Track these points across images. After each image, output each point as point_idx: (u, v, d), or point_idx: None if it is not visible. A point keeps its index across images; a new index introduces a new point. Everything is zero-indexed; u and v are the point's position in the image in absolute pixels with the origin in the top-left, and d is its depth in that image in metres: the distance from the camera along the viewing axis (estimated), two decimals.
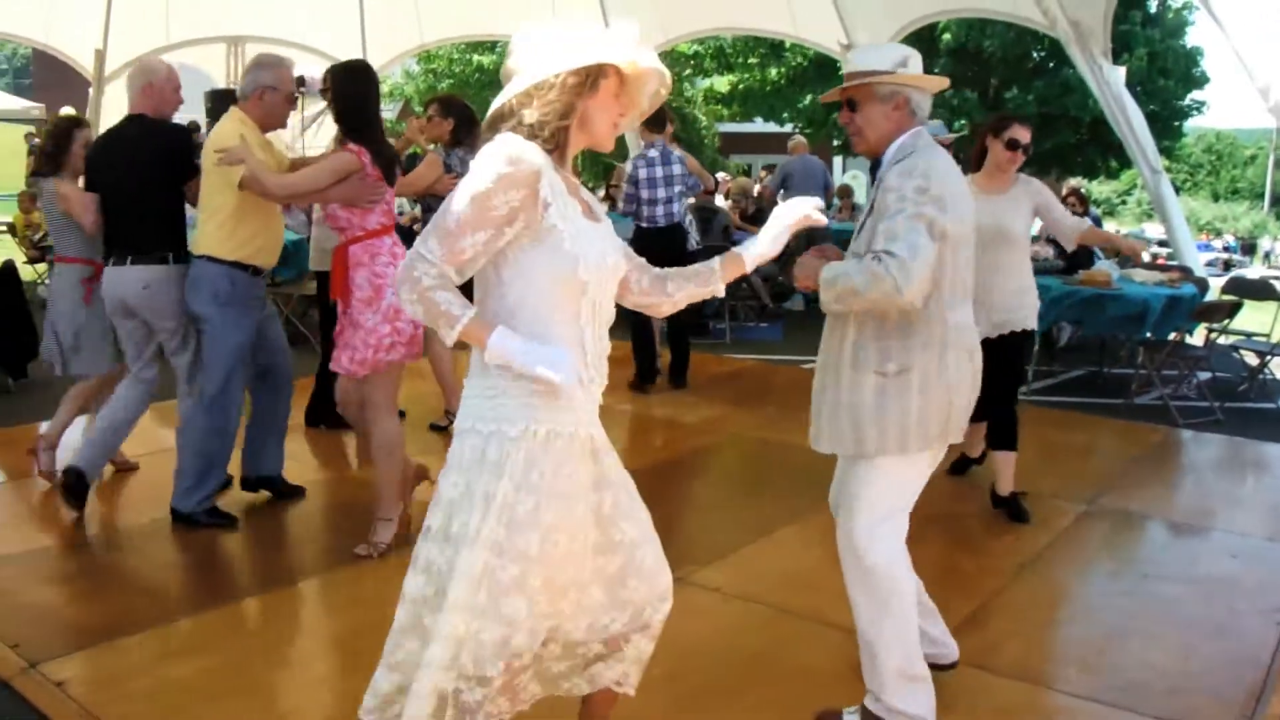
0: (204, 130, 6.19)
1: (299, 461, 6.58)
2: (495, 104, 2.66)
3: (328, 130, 6.27)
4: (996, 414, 5.81)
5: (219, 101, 6.57)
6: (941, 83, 3.65)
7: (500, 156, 2.55)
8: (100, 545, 5.51)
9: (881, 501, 3.56)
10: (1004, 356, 5.70)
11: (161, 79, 5.72)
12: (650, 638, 3.03)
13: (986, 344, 5.59)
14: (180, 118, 6.59)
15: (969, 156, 6.07)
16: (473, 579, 2.60)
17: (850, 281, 3.31)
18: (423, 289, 2.54)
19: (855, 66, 3.61)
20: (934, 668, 3.73)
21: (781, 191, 14.50)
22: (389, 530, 5.30)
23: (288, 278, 11.82)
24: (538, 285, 2.64)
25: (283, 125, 5.78)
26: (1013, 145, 5.73)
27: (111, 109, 15.85)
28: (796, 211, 3.05)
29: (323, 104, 5.74)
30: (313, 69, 16.80)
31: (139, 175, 5.58)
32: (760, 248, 3.07)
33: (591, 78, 2.62)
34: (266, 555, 5.48)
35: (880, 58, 3.57)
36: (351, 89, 5.19)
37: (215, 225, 5.43)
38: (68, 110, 22.01)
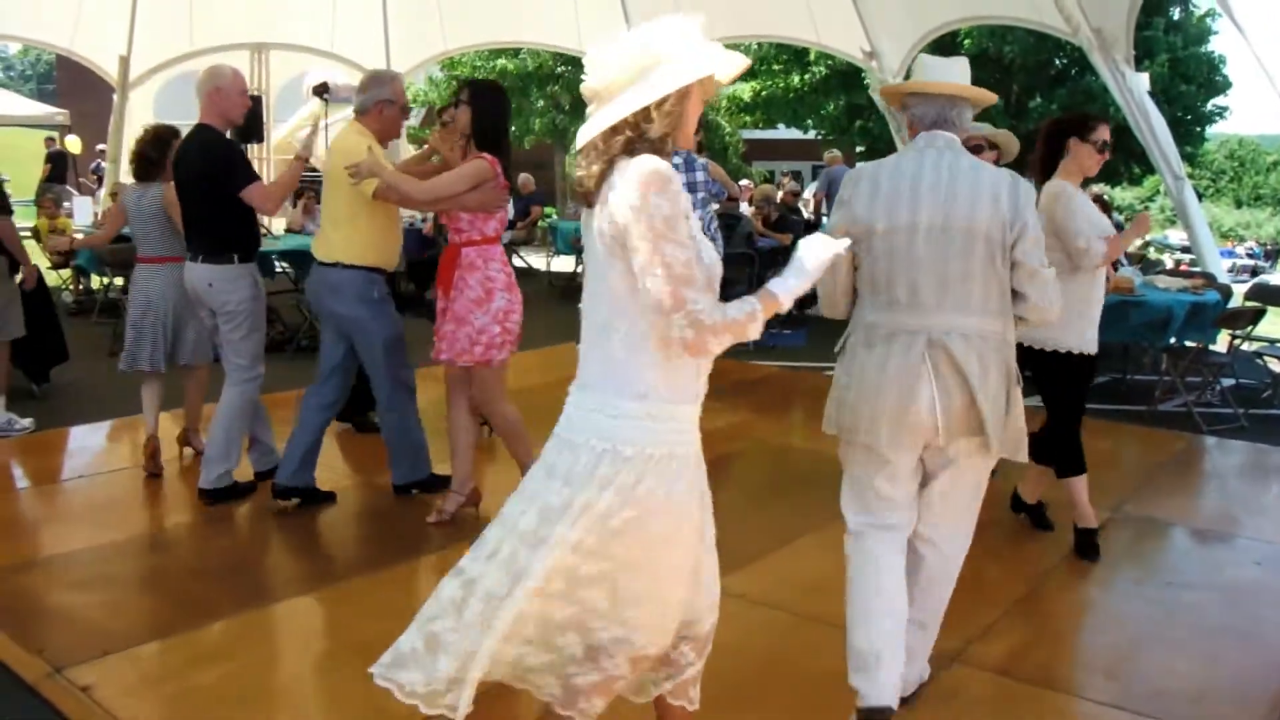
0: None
1: (327, 468, 6.62)
2: (606, 121, 2.60)
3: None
4: (1054, 431, 5.59)
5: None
6: (903, 86, 3.84)
7: (668, 185, 2.53)
8: (126, 550, 5.51)
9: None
10: (1087, 373, 5.60)
11: (228, 83, 5.93)
12: (696, 649, 3.01)
13: (1081, 360, 5.48)
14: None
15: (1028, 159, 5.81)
16: (545, 573, 2.63)
17: None
18: (718, 324, 2.54)
19: None
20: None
21: (826, 195, 14.94)
22: None
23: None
24: None
25: (398, 136, 6.19)
26: (1105, 147, 5.43)
27: (135, 115, 15.95)
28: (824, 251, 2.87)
29: (348, 110, 5.91)
30: (337, 76, 16.84)
31: (206, 182, 5.82)
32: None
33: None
34: (293, 561, 5.51)
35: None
36: (491, 106, 5.63)
37: (347, 233, 5.77)
38: (73, 141, 22.25)
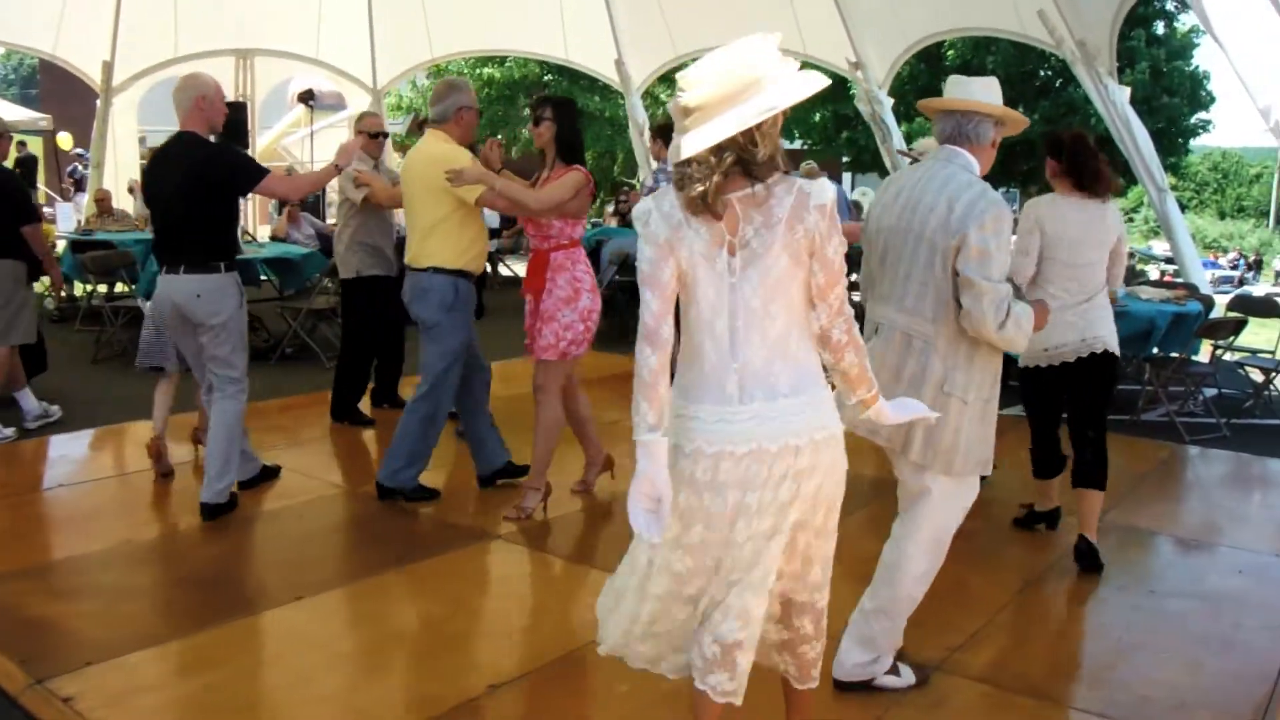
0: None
1: (312, 476, 6.61)
2: (714, 138, 2.68)
3: (328, 140, 6.44)
4: (1096, 437, 5.65)
5: (230, 114, 6.62)
6: (932, 103, 4.01)
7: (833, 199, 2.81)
8: (109, 560, 5.46)
9: None
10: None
11: (213, 92, 5.94)
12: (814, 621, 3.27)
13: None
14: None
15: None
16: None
17: None
18: (859, 342, 2.92)
19: None
20: None
21: None
22: (535, 498, 6.05)
23: (295, 291, 11.82)
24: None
25: (473, 140, 6.33)
26: None
27: (118, 120, 15.91)
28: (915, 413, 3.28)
29: (339, 115, 6.00)
30: (322, 83, 16.83)
31: (191, 192, 5.73)
32: None
33: None
34: (276, 570, 5.47)
35: None
36: (571, 121, 6.00)
37: (440, 238, 6.02)
38: (64, 138, 22.15)
